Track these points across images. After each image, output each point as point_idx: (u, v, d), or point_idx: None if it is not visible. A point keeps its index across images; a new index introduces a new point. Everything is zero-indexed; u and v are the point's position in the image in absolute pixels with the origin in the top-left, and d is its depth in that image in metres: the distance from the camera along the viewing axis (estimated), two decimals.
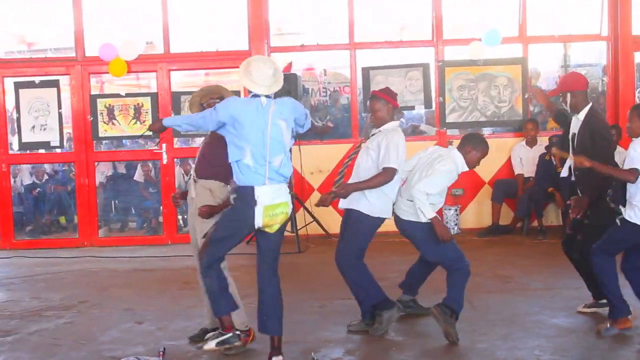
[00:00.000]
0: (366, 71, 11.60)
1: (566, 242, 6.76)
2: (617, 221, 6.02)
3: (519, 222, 11.20)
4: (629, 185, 5.94)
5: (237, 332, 5.72)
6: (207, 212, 5.92)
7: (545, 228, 10.67)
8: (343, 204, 6.49)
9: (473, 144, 6.37)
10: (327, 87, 12.58)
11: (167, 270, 9.53)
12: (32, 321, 7.32)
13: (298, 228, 10.50)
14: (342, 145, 11.46)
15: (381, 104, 6.47)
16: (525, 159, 11.08)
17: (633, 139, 5.96)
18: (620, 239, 6.06)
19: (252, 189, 5.38)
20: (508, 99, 11.55)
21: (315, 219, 10.86)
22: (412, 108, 11.96)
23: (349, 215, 6.46)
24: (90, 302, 8.03)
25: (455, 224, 11.21)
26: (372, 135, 6.55)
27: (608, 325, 6.16)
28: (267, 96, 5.47)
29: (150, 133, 6.53)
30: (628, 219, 5.94)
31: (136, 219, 13.27)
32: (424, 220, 6.20)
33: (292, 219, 10.60)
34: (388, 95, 6.55)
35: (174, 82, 11.98)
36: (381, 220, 6.42)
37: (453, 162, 6.33)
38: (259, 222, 5.39)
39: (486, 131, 12.02)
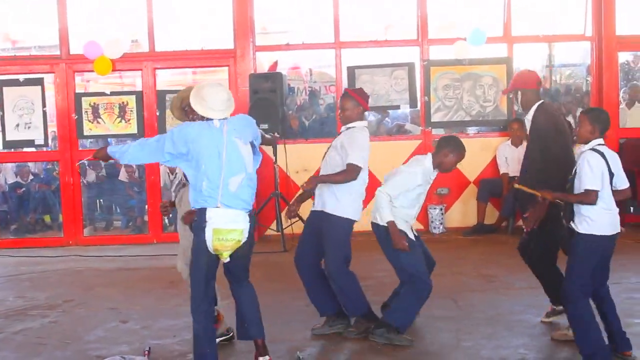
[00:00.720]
0: (351, 70, 11.61)
1: (521, 245, 6.45)
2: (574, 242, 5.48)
3: (504, 221, 11.24)
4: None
5: None
6: (189, 218, 5.75)
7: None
8: (317, 205, 6.46)
9: (451, 147, 6.31)
10: (313, 86, 12.59)
11: (152, 269, 9.52)
12: (16, 320, 7.31)
13: (283, 227, 10.50)
14: (327, 144, 11.38)
15: (352, 104, 6.45)
16: (510, 159, 11.11)
17: (582, 146, 5.54)
18: (584, 258, 5.42)
19: (204, 210, 5.26)
20: (493, 99, 11.58)
21: (300, 218, 10.80)
22: (398, 107, 11.98)
23: (323, 219, 6.37)
24: (75, 301, 8.02)
25: (441, 223, 11.24)
26: (339, 134, 6.58)
27: None
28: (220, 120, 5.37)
29: (86, 162, 6.38)
30: (584, 232, 5.40)
31: (121, 217, 13.23)
32: (380, 223, 6.22)
33: (277, 218, 10.62)
34: (360, 96, 6.52)
35: (160, 81, 11.97)
36: (352, 222, 6.38)
37: (419, 165, 6.32)
38: (209, 245, 5.23)
39: (471, 130, 12.06)
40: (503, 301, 7.26)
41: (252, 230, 5.42)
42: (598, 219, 5.37)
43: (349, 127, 6.44)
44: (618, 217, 5.48)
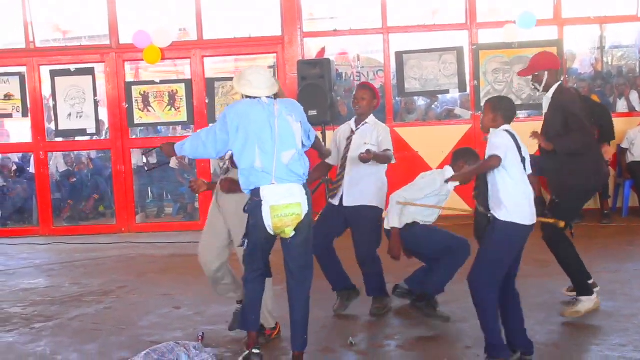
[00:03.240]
0: (399, 55, 11.56)
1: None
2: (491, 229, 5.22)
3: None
4: (491, 186, 5.20)
5: (256, 352, 5.40)
6: (227, 186, 5.80)
7: (582, 211, 10.56)
8: (348, 202, 6.66)
9: (465, 159, 6.37)
10: (361, 71, 12.55)
11: None
12: (72, 306, 7.43)
13: None
14: None
15: (369, 94, 6.76)
16: None
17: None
18: (500, 247, 5.16)
19: (257, 189, 5.19)
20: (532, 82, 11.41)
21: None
22: (447, 92, 11.91)
23: (353, 213, 6.63)
24: (129, 288, 8.13)
25: None
26: (357, 129, 6.78)
27: None
28: (268, 97, 5.35)
29: (150, 162, 6.34)
30: (504, 219, 5.11)
31: (172, 204, 13.36)
32: (386, 226, 6.33)
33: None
34: (376, 91, 6.91)
35: (207, 69, 12.02)
36: (381, 210, 6.70)
37: (440, 174, 6.41)
38: (268, 223, 5.16)
39: (521, 115, 11.93)
40: (557, 286, 7.17)
41: (310, 206, 5.30)
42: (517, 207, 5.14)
43: (366, 123, 6.77)
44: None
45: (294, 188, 5.21)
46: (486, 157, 5.13)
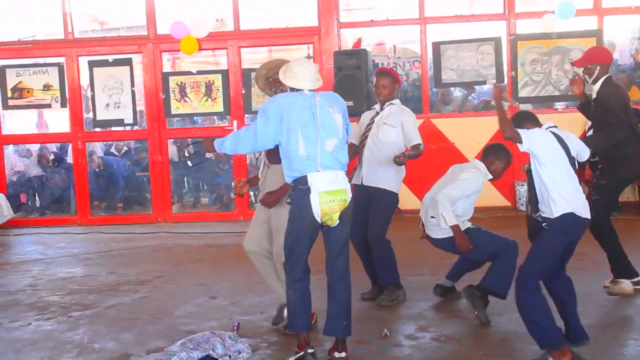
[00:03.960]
0: (437, 46, 11.49)
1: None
2: (545, 226, 5.20)
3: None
4: (540, 189, 5.18)
5: (311, 351, 5.34)
6: (268, 201, 5.85)
7: (621, 204, 10.45)
8: (368, 180, 6.74)
9: (496, 154, 6.37)
10: (397, 62, 12.49)
11: (239, 246, 9.44)
12: (109, 295, 7.49)
13: None
14: None
15: (390, 81, 6.80)
16: None
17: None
18: (554, 242, 5.15)
19: (305, 177, 5.19)
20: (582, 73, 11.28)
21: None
22: (484, 83, 11.81)
23: (372, 193, 6.71)
24: (165, 277, 8.19)
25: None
26: (381, 110, 6.85)
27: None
28: (310, 90, 5.37)
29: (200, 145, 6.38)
30: (559, 213, 5.07)
31: (208, 195, 13.42)
32: (443, 225, 6.22)
33: None
34: (395, 73, 6.96)
35: (243, 59, 12.03)
36: (397, 195, 6.84)
37: (477, 170, 6.33)
38: (316, 210, 5.14)
39: (559, 105, 11.82)
40: (594, 280, 7.10)
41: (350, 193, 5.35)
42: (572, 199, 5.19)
43: (391, 104, 6.81)
44: None
45: (339, 175, 5.26)
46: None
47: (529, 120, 6.09)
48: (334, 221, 5.20)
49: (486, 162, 6.36)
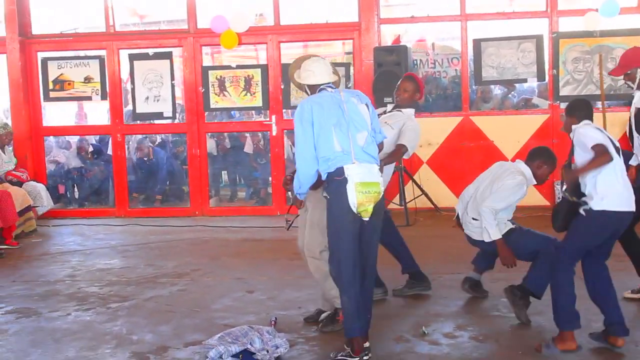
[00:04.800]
0: (477, 43, 11.40)
1: None
2: (582, 212, 5.34)
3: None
4: (589, 177, 5.29)
5: (366, 358, 5.26)
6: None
7: None
8: None
9: (544, 159, 6.29)
10: (436, 59, 12.42)
11: (276, 241, 9.63)
12: (147, 287, 7.53)
13: (407, 201, 10.46)
14: (452, 118, 11.38)
15: (413, 87, 6.76)
16: None
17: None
18: (591, 235, 5.34)
19: (341, 168, 5.21)
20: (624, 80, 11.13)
21: (424, 193, 10.80)
22: (525, 81, 11.71)
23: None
24: (203, 271, 8.21)
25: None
26: (390, 112, 6.79)
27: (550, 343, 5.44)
28: (331, 87, 5.48)
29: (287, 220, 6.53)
30: (599, 208, 5.23)
31: (245, 189, 13.45)
32: (487, 240, 6.18)
33: (401, 192, 10.58)
34: (421, 84, 6.90)
35: (282, 54, 12.03)
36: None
37: (522, 175, 6.24)
38: (352, 200, 5.13)
39: (600, 105, 11.66)
40: (634, 281, 7.00)
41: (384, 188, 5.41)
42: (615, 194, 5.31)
43: (400, 110, 6.74)
44: None
45: (373, 168, 5.30)
46: (590, 150, 5.23)
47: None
48: (368, 213, 5.20)
49: (532, 166, 6.28)
